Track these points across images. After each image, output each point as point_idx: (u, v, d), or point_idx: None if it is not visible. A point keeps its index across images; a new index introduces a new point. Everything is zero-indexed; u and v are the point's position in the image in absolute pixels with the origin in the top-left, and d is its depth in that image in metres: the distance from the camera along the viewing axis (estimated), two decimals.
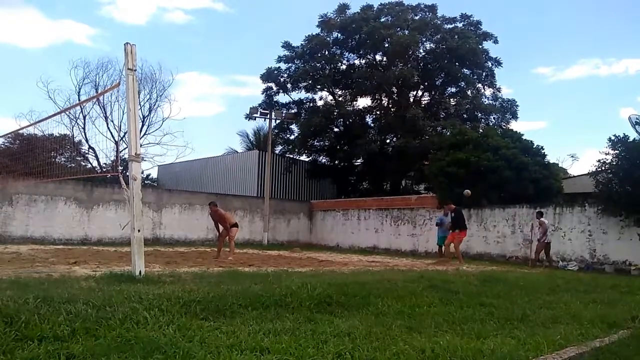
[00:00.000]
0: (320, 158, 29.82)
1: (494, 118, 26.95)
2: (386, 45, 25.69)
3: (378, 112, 28.34)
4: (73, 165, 27.46)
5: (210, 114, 58.16)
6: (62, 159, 27.85)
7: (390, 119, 26.57)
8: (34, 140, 24.13)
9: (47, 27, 52.33)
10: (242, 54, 64.59)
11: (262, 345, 3.52)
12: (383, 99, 28.22)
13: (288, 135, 29.28)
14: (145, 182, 29.81)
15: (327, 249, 20.92)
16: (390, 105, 28.04)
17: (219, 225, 12.68)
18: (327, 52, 27.57)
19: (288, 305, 4.98)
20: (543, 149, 18.77)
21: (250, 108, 25.51)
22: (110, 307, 4.04)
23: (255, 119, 27.12)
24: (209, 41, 65.37)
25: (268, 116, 24.59)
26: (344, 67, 28.25)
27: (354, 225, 22.59)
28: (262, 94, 28.75)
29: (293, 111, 28.46)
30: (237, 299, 4.84)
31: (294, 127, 28.72)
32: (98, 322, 3.70)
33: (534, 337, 4.32)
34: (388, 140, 27.79)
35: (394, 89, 27.17)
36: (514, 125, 26.95)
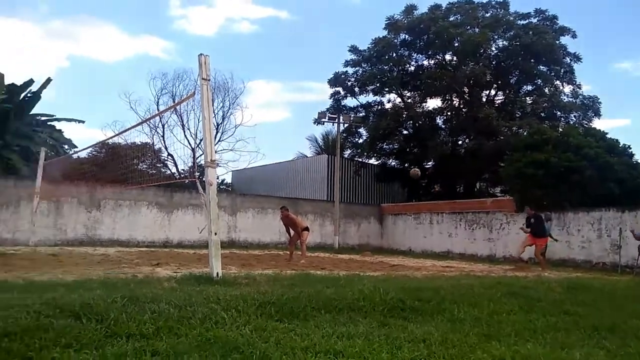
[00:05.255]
0: (390, 161, 29.51)
1: (574, 116, 25.39)
2: (456, 44, 25.04)
3: (449, 113, 27.65)
4: (154, 172, 28.95)
5: (278, 120, 59.33)
6: (144, 166, 29.48)
7: (462, 120, 25.86)
8: (118, 149, 25.78)
9: (125, 42, 55.89)
10: (307, 61, 65.35)
11: (335, 349, 3.53)
12: (454, 99, 27.50)
13: (356, 139, 29.24)
14: (220, 187, 30.84)
15: (399, 253, 20.66)
16: (461, 106, 27.28)
17: (290, 229, 12.88)
18: (394, 54, 27.31)
19: (361, 309, 4.96)
20: (630, 148, 17.55)
21: (319, 113, 25.75)
22: (191, 307, 4.22)
23: (323, 124, 27.27)
24: (275, 49, 66.72)
25: (336, 120, 24.72)
26: (412, 68, 27.87)
27: (426, 229, 22.16)
28: (330, 98, 28.95)
29: (361, 115, 28.41)
30: (310, 301, 4.89)
31: (362, 130, 28.65)
32: (180, 321, 3.87)
33: (626, 349, 4.03)
34: (460, 142, 27.04)
35: (465, 89, 26.39)
36: (597, 124, 25.24)
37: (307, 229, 12.95)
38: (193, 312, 4.08)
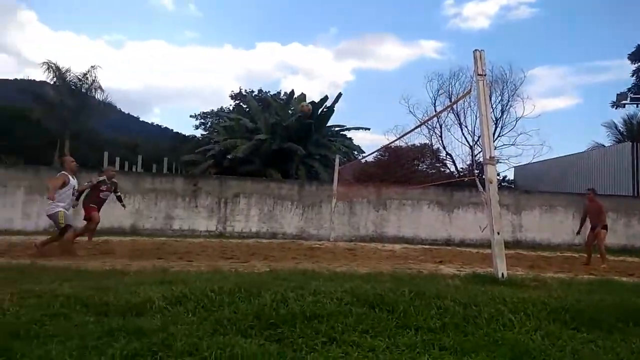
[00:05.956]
0: None
1: None
2: None
3: None
4: (433, 171, 29.79)
5: (566, 107, 53.63)
6: (424, 166, 30.59)
7: None
8: (399, 151, 27.44)
9: (403, 50, 59.40)
10: (599, 36, 57.22)
11: None
12: None
13: None
14: (502, 184, 29.65)
15: None
16: None
17: (590, 219, 11.55)
18: None
19: None
20: None
21: (618, 95, 22.28)
22: (476, 306, 4.18)
23: (624, 106, 23.46)
24: (559, 30, 60.54)
25: None
26: None
27: None
28: (632, 76, 24.77)
29: None
30: (614, 311, 4.28)
31: None
32: (465, 319, 3.89)
33: None
34: None
35: None
36: None
37: (606, 227, 11.37)
38: (478, 312, 4.04)
